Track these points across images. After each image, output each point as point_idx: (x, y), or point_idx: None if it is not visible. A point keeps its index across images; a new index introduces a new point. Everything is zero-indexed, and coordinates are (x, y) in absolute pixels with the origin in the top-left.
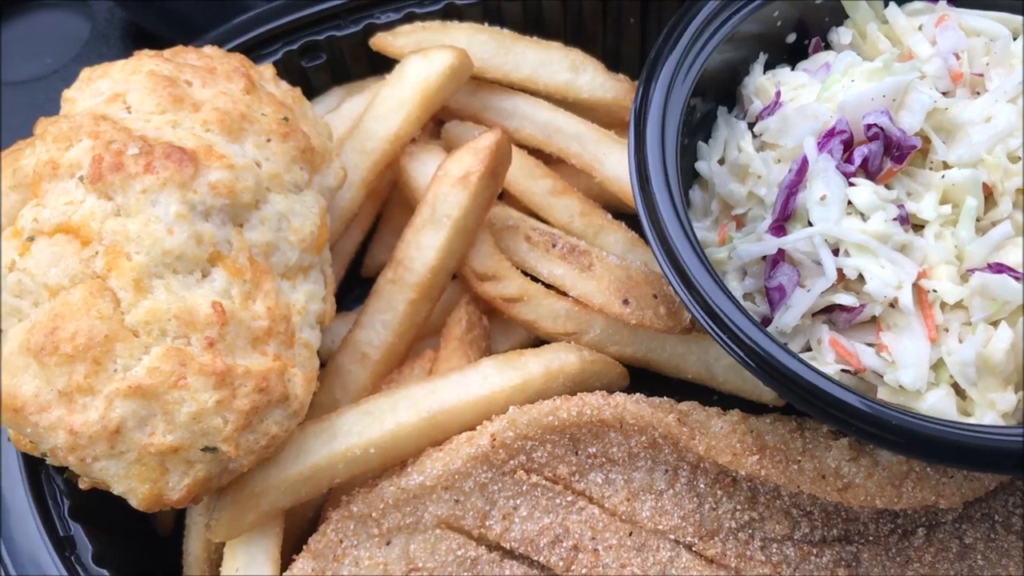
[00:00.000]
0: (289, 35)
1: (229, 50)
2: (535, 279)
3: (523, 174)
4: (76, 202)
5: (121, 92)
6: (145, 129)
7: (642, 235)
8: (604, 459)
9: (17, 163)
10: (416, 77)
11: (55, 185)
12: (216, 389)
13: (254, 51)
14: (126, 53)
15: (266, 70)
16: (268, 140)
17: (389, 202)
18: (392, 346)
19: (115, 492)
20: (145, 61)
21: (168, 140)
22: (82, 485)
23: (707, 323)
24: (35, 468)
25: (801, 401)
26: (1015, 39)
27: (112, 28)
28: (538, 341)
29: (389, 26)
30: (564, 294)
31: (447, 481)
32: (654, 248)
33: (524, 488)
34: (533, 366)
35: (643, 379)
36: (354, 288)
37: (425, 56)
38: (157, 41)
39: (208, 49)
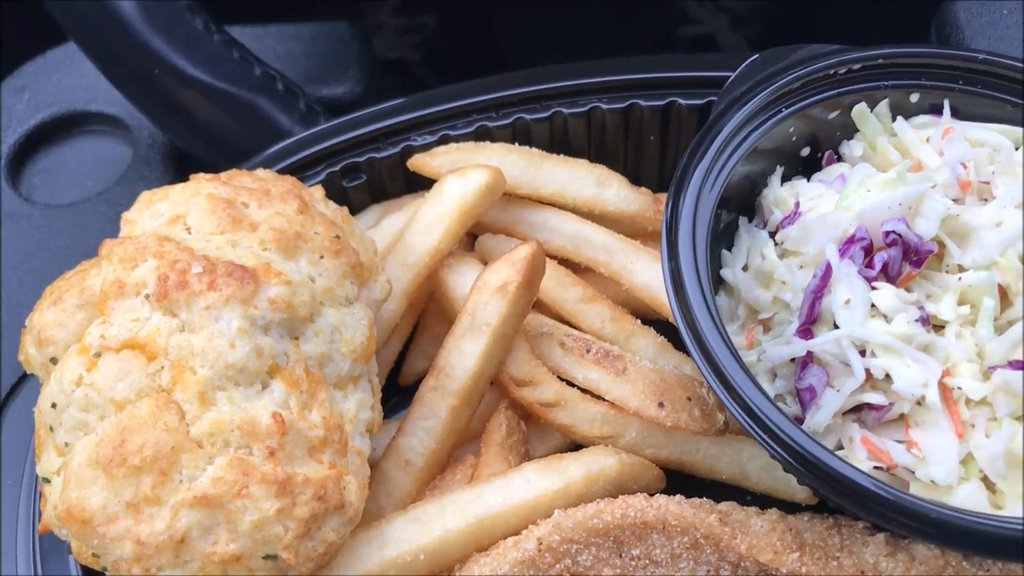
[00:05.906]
0: (331, 157)
1: (277, 171)
2: (571, 384)
3: (554, 283)
4: (142, 319)
5: (181, 214)
6: (206, 248)
7: (671, 340)
8: (647, 560)
9: (84, 283)
10: (454, 194)
11: (121, 303)
12: (277, 497)
13: (298, 172)
14: (166, 175)
15: (316, 191)
16: (321, 257)
17: (426, 312)
18: (435, 452)
19: None
20: (203, 185)
21: (229, 259)
22: None
23: (747, 423)
24: None
25: (841, 496)
26: (1016, 149)
27: (153, 152)
28: (573, 445)
29: (425, 147)
30: (599, 398)
31: None
32: (692, 351)
33: None
34: (574, 470)
35: (678, 481)
36: (392, 396)
37: (463, 175)
38: (197, 163)
39: (260, 172)
